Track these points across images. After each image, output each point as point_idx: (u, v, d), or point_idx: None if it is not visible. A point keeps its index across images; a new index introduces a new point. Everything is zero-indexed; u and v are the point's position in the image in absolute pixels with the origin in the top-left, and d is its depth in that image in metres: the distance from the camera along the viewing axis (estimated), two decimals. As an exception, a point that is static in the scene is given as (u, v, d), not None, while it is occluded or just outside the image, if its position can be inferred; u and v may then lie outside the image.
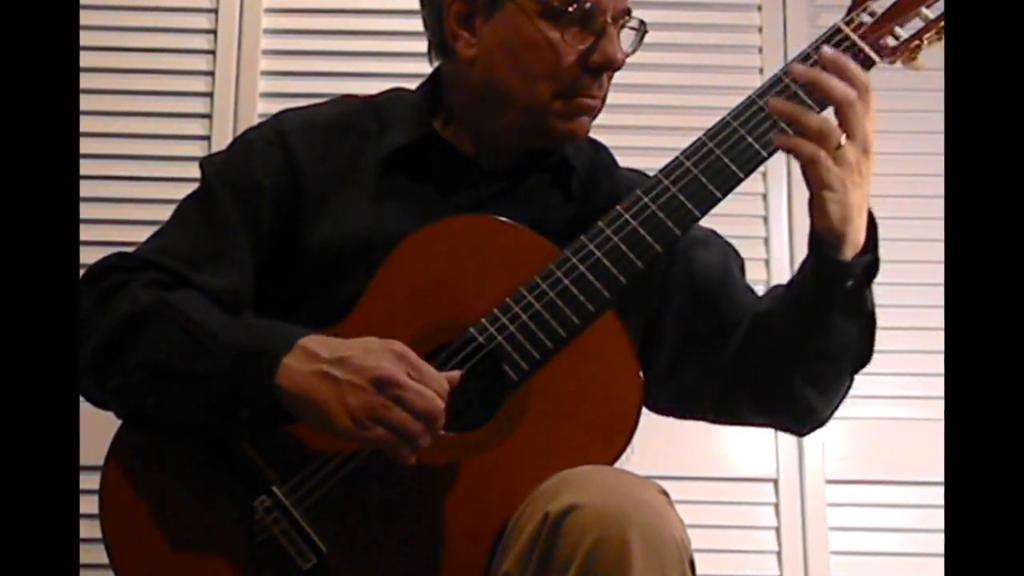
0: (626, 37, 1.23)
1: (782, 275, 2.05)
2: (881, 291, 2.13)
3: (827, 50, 1.14)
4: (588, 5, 1.18)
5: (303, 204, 1.23)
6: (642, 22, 1.24)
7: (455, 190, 1.25)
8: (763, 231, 2.10)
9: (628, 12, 1.22)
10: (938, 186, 1.02)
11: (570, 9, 1.18)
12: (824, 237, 1.14)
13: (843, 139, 1.10)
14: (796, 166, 2.21)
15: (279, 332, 1.13)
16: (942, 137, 1.02)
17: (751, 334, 1.24)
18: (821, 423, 1.28)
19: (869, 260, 1.16)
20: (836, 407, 1.26)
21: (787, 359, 1.21)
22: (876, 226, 1.16)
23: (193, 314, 1.14)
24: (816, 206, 1.12)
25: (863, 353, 1.21)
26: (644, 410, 1.16)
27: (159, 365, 1.13)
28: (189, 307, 1.15)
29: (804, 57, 1.17)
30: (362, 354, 1.07)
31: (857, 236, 1.14)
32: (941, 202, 1.01)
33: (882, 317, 2.10)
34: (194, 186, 1.28)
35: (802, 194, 2.11)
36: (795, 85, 1.15)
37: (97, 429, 1.16)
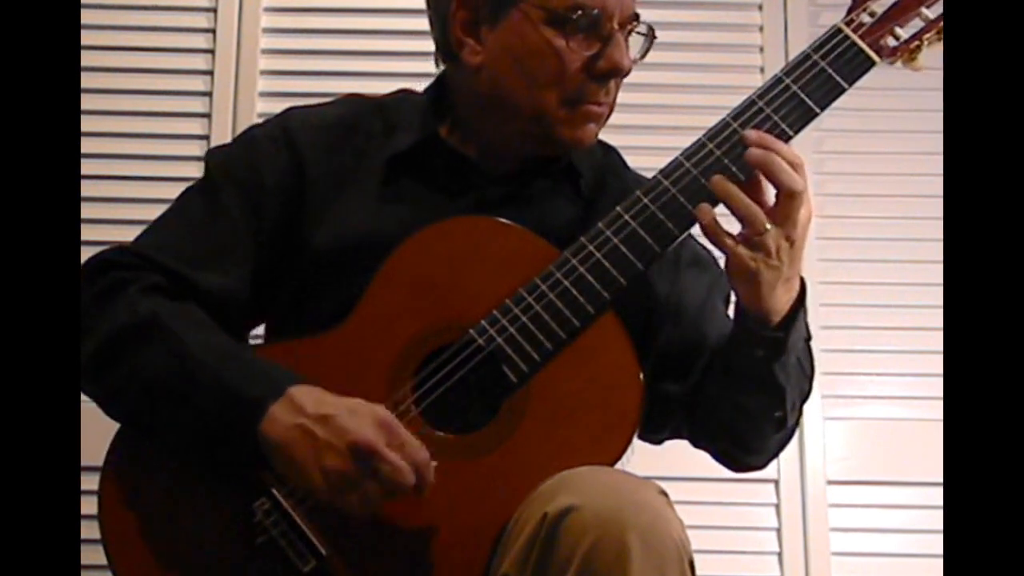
0: (634, 42, 1.22)
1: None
2: (883, 291, 2.14)
3: (750, 135, 1.12)
4: (595, 11, 1.17)
5: (306, 203, 1.23)
6: (650, 27, 1.23)
7: (459, 193, 1.25)
8: (763, 231, 2.09)
9: (636, 17, 1.21)
10: (938, 186, 1.02)
11: (576, 16, 1.16)
12: (738, 302, 1.15)
13: (768, 224, 1.09)
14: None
15: (269, 376, 1.11)
16: (941, 136, 1.02)
17: (705, 371, 1.25)
18: (749, 468, 1.30)
19: (777, 337, 1.14)
20: (761, 458, 1.28)
21: (716, 405, 1.22)
22: (803, 307, 1.15)
23: (188, 339, 1.13)
24: (727, 275, 1.14)
25: (779, 421, 1.21)
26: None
27: (148, 387, 1.12)
28: (185, 329, 1.14)
29: (804, 58, 1.17)
30: (345, 415, 1.06)
31: (769, 312, 1.13)
32: (940, 201, 1.01)
33: (884, 317, 2.11)
34: (197, 180, 1.28)
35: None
36: (795, 85, 1.15)
37: (97, 429, 1.16)
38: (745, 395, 1.19)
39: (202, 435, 1.10)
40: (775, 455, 1.29)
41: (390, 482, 1.05)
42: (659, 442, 1.34)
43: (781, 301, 1.13)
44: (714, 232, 1.11)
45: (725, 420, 1.23)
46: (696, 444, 1.31)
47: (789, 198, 1.09)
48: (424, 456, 1.06)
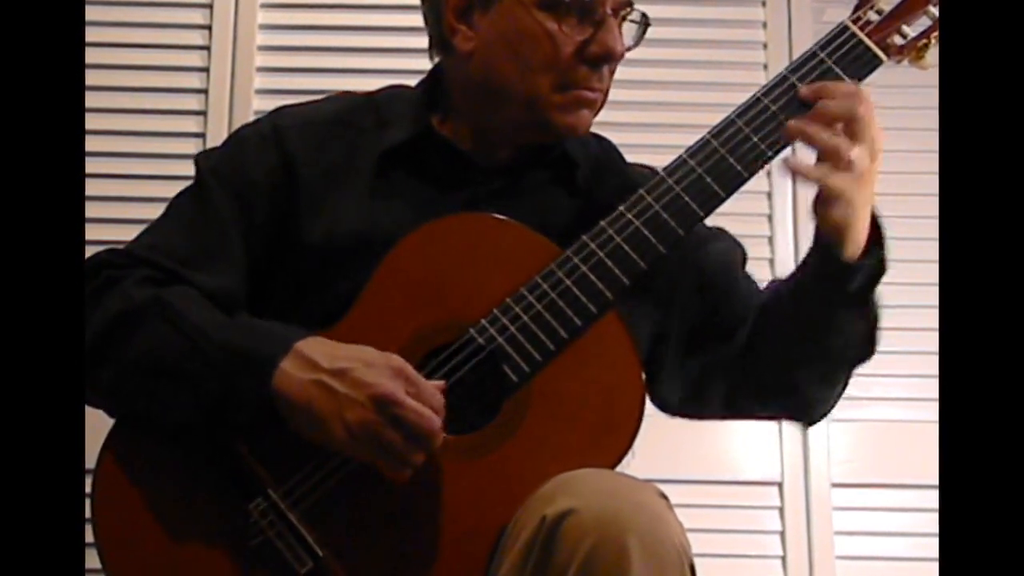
0: (628, 30, 1.22)
1: (786, 274, 2.03)
2: (886, 291, 2.12)
3: (803, 89, 1.14)
4: None
5: (299, 201, 1.22)
6: (644, 15, 1.22)
7: (453, 187, 1.24)
8: (767, 230, 2.09)
9: (629, 4, 1.21)
10: (934, 184, 1.02)
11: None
12: (828, 237, 1.13)
13: (853, 150, 1.09)
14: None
15: (275, 334, 1.11)
16: (936, 134, 1.01)
17: (756, 330, 1.25)
18: (824, 416, 1.29)
19: (875, 261, 1.15)
20: (837, 400, 1.27)
21: (790, 355, 1.21)
22: (881, 225, 1.16)
23: (187, 312, 1.13)
24: (822, 210, 1.12)
25: (865, 350, 1.22)
26: (647, 412, 1.15)
27: (151, 363, 1.12)
28: (183, 304, 1.14)
29: (810, 56, 1.16)
30: (362, 368, 1.06)
31: (860, 236, 1.13)
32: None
33: (888, 318, 2.10)
34: (188, 184, 1.27)
35: (806, 194, 2.09)
36: (801, 83, 1.14)
37: (94, 431, 1.14)
38: (832, 334, 1.18)
39: (211, 404, 1.09)
40: (839, 399, 1.28)
41: (414, 428, 1.04)
42: (706, 417, 1.35)
43: (865, 225, 1.14)
44: (799, 167, 1.11)
45: (804, 367, 1.21)
46: (762, 407, 1.30)
47: (855, 121, 1.10)
48: (440, 399, 1.07)
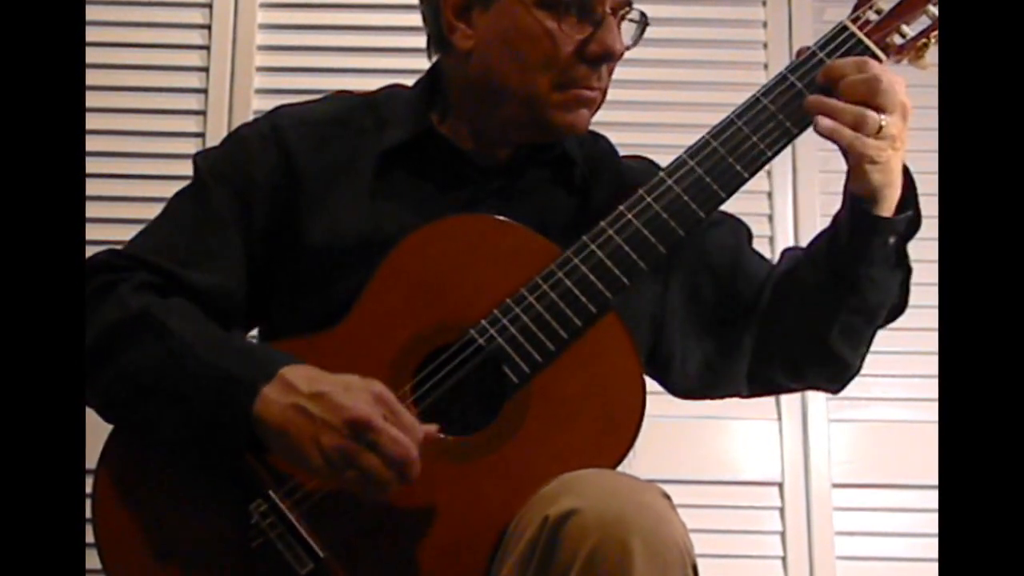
0: (627, 29, 1.22)
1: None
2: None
3: (819, 78, 1.13)
4: None
5: (299, 201, 1.22)
6: (643, 14, 1.22)
7: (453, 187, 1.24)
8: (768, 230, 2.08)
9: (628, 3, 1.21)
10: (934, 184, 1.02)
11: None
12: (864, 199, 1.13)
13: (883, 118, 1.09)
14: (801, 164, 2.20)
15: (262, 359, 1.10)
16: (936, 134, 1.01)
17: (779, 299, 1.25)
18: (853, 377, 1.29)
19: (911, 216, 1.16)
20: (863, 362, 1.27)
21: (822, 318, 1.20)
22: (913, 180, 1.16)
23: (178, 330, 1.11)
24: (857, 176, 1.12)
25: (900, 304, 1.22)
26: (648, 412, 1.15)
27: (139, 381, 1.11)
28: (175, 321, 1.12)
29: (810, 55, 1.16)
30: (341, 392, 1.05)
31: (896, 194, 1.13)
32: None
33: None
34: (187, 183, 1.27)
35: (807, 193, 2.09)
36: (800, 83, 1.14)
37: (94, 431, 1.14)
38: (870, 291, 1.18)
39: (196, 425, 1.09)
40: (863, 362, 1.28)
41: (390, 455, 1.02)
42: (726, 396, 1.35)
43: (899, 183, 1.14)
44: (834, 129, 1.10)
45: (837, 328, 1.21)
46: (794, 377, 1.30)
47: (876, 95, 1.09)
48: (417, 431, 1.05)
